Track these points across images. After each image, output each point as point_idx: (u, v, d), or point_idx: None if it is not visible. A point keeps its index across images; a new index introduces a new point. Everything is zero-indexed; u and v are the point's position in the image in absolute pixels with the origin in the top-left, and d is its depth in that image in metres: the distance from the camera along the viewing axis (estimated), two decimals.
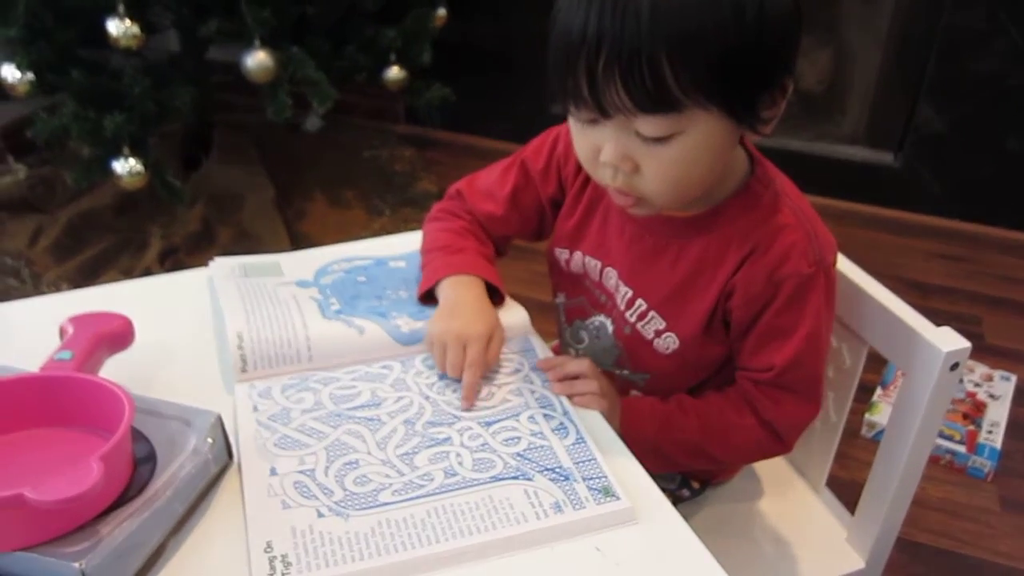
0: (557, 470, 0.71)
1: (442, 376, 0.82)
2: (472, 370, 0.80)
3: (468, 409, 0.78)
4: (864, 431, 1.74)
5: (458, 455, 0.72)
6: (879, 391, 1.81)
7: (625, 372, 0.95)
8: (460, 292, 0.88)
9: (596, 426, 0.78)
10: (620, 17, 0.67)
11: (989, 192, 2.48)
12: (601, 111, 0.72)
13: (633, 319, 0.90)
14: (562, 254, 0.97)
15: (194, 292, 0.95)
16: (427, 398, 0.79)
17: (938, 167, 2.49)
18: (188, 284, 0.97)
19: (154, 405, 0.71)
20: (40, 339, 0.79)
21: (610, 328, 0.94)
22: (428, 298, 0.91)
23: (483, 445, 0.74)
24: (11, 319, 0.92)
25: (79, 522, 0.60)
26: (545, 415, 0.78)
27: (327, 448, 0.73)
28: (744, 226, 0.83)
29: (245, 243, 2.21)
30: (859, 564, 0.97)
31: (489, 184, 0.99)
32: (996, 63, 2.30)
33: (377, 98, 2.71)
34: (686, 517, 0.69)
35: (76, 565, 0.57)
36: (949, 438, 1.69)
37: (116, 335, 0.80)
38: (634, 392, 0.96)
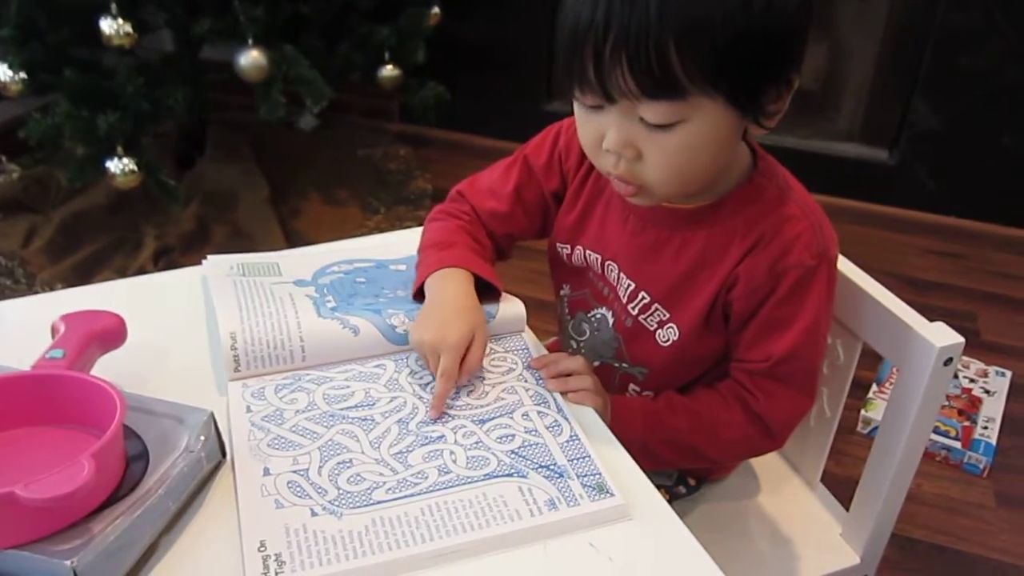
0: (551, 467, 0.71)
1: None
2: (442, 381, 0.77)
3: (435, 420, 0.76)
4: (860, 427, 1.74)
5: (452, 453, 0.72)
6: (874, 388, 1.82)
7: (624, 365, 0.95)
8: (440, 290, 0.86)
9: (590, 423, 0.78)
10: (629, 2, 0.68)
11: (984, 189, 2.49)
12: (606, 95, 0.72)
13: (635, 311, 0.90)
14: (564, 249, 0.97)
15: (187, 290, 0.95)
16: (420, 398, 0.79)
17: (933, 164, 2.50)
18: (181, 282, 0.97)
19: (146, 403, 0.71)
20: (32, 338, 0.78)
21: (610, 320, 0.94)
22: (422, 296, 0.91)
23: (477, 443, 0.73)
24: (3, 318, 0.91)
25: (71, 520, 0.60)
26: (539, 412, 0.78)
27: (320, 448, 0.72)
28: (748, 218, 0.83)
29: (240, 242, 2.21)
30: (854, 560, 0.97)
31: (491, 182, 0.98)
32: (991, 60, 2.31)
33: (371, 96, 2.71)
34: (681, 514, 0.69)
35: (68, 563, 0.57)
36: (945, 434, 1.69)
37: (108, 333, 0.79)
38: (632, 386, 0.96)
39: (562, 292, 1.02)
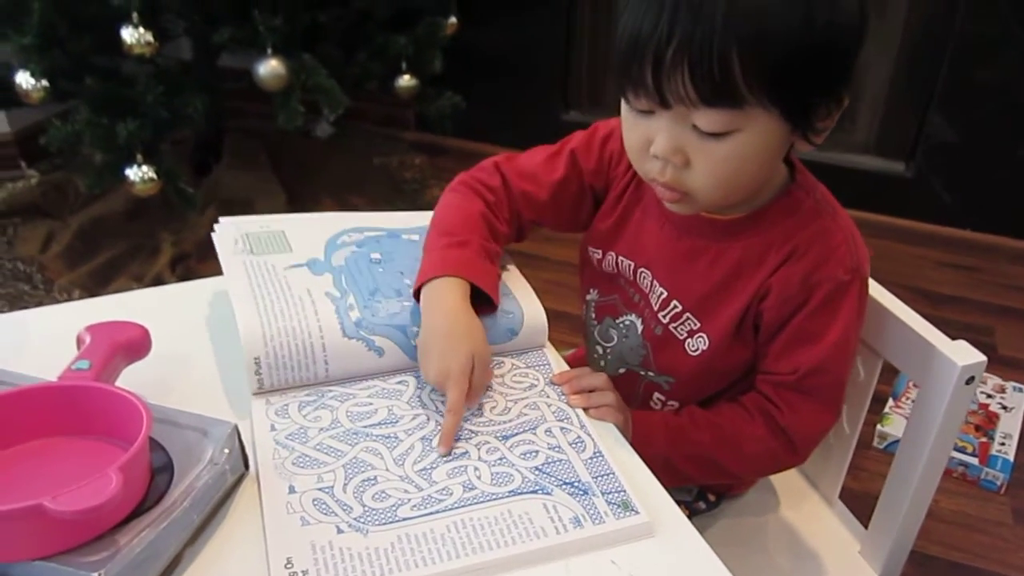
0: (576, 484, 0.71)
1: None
2: (449, 416, 0.76)
3: (444, 455, 0.74)
4: (876, 442, 1.74)
5: (476, 469, 0.72)
6: (891, 402, 1.81)
7: (650, 374, 0.95)
8: (435, 310, 0.83)
9: (611, 439, 0.78)
10: (695, 12, 0.68)
11: (1000, 202, 2.48)
12: (661, 101, 0.73)
13: (666, 320, 0.90)
14: (595, 253, 0.97)
15: (209, 300, 0.95)
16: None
17: (949, 177, 2.49)
18: (203, 292, 0.97)
19: (171, 415, 0.71)
20: (57, 347, 0.79)
21: (639, 327, 0.94)
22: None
23: (501, 459, 0.74)
24: (27, 327, 0.92)
25: (98, 532, 0.60)
26: (562, 428, 0.78)
27: (345, 466, 0.72)
28: (785, 229, 0.83)
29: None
30: None
31: (533, 167, 0.96)
32: (1008, 73, 2.30)
33: (387, 105, 2.72)
34: (700, 529, 0.69)
35: (95, 575, 0.57)
36: (962, 450, 1.68)
37: (133, 344, 0.80)
38: (657, 395, 0.96)
39: (589, 297, 1.01)
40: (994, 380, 1.90)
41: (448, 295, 0.83)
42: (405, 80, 2.36)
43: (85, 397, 0.70)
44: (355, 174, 2.68)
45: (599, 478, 0.71)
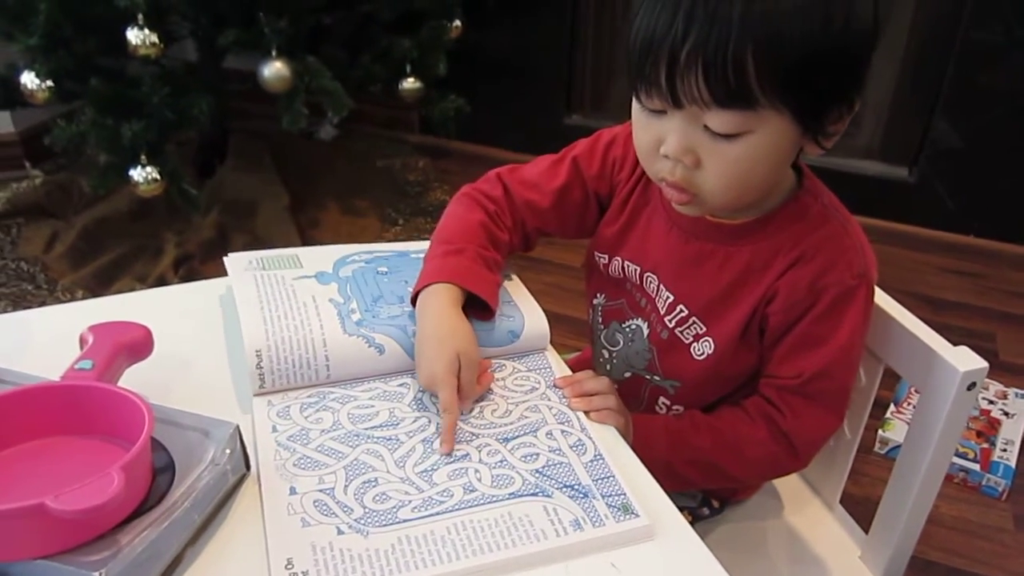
0: (576, 487, 0.71)
1: None
2: (445, 416, 0.76)
3: (446, 454, 0.74)
4: (877, 447, 1.74)
5: (477, 471, 0.72)
6: (892, 408, 1.81)
7: (656, 378, 0.95)
8: (424, 316, 0.84)
9: (612, 443, 0.78)
10: (711, 12, 0.69)
11: (1004, 208, 2.48)
12: (674, 101, 0.73)
13: (673, 324, 0.90)
14: (601, 258, 0.97)
15: (211, 301, 0.96)
16: None
17: (953, 182, 2.49)
18: (205, 293, 0.97)
19: (172, 415, 0.71)
20: (59, 347, 0.79)
21: (645, 332, 0.94)
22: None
23: (501, 461, 0.74)
24: (30, 327, 0.92)
25: (99, 531, 0.60)
26: (563, 431, 0.78)
27: (346, 467, 0.72)
28: (793, 234, 0.84)
29: (259, 250, 2.22)
30: None
31: (535, 176, 0.97)
32: (1013, 78, 2.30)
33: (391, 107, 2.73)
34: (702, 534, 0.69)
35: (96, 574, 0.57)
36: (963, 456, 1.68)
37: (136, 345, 0.80)
38: (662, 399, 0.96)
39: (595, 301, 1.02)
40: (996, 386, 1.90)
41: (437, 300, 0.84)
42: (409, 83, 2.37)
43: (87, 397, 0.70)
44: (359, 176, 2.69)
45: (599, 481, 0.71)
